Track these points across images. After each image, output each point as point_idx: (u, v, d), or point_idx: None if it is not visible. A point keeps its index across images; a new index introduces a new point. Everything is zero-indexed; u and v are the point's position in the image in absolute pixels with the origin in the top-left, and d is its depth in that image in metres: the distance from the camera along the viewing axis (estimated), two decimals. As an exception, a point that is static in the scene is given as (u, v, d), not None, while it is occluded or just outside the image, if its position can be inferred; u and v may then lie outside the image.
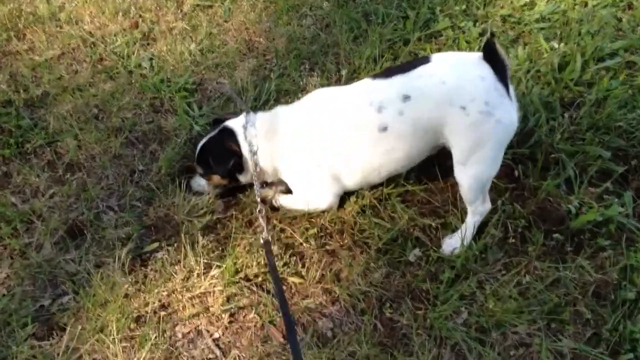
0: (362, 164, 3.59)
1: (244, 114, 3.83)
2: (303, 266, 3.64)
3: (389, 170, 3.63)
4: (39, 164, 4.11)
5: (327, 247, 3.73)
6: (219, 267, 3.54)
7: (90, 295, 3.38)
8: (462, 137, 3.32)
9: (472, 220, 3.63)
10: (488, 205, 3.62)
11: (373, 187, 3.90)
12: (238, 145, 3.77)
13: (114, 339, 3.23)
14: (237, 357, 3.29)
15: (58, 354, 3.20)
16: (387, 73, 3.50)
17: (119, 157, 4.19)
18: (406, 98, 3.30)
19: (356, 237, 3.76)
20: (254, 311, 3.45)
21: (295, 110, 3.77)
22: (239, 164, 3.77)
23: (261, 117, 3.79)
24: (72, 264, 3.59)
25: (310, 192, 3.72)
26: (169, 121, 4.41)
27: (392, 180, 3.88)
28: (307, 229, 3.78)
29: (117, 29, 5.05)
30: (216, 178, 3.90)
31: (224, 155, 3.77)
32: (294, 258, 3.69)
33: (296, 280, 3.59)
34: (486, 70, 3.22)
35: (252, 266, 3.58)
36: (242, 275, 3.57)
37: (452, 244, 3.67)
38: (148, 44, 5.00)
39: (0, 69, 4.71)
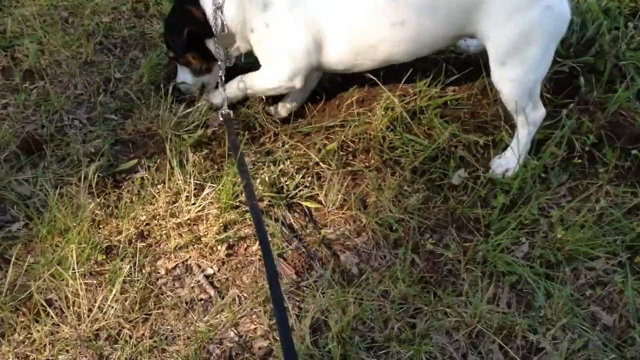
0: (357, 33, 2.78)
1: None
2: (320, 188, 2.81)
3: (389, 53, 2.83)
4: (-9, 70, 3.26)
5: (350, 168, 2.89)
6: (214, 188, 2.71)
7: (46, 222, 2.55)
8: (502, 26, 2.61)
9: (524, 133, 2.90)
10: (542, 112, 2.89)
11: (403, 96, 3.07)
12: (197, 5, 2.93)
13: (74, 273, 2.42)
14: (237, 298, 2.50)
15: (0, 292, 2.37)
16: None
17: (90, 64, 3.39)
18: None
19: (385, 155, 2.98)
20: (258, 243, 2.63)
21: None
22: (200, 31, 2.94)
23: None
24: (26, 185, 2.76)
25: (277, 58, 2.90)
26: (154, 27, 3.57)
27: (427, 90, 3.12)
28: (324, 146, 2.95)
29: None
30: (190, 58, 3.08)
31: (179, 23, 2.98)
32: (309, 179, 2.85)
33: (311, 205, 2.79)
34: None
35: (256, 189, 2.76)
36: (243, 199, 2.73)
37: (503, 163, 2.95)
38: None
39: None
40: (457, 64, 3.30)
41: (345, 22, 2.74)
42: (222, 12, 2.87)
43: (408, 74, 3.10)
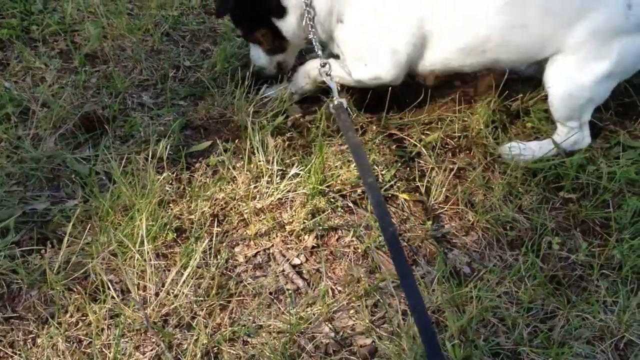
0: (469, 31, 2.41)
1: None
2: (420, 181, 2.42)
3: (497, 55, 2.46)
4: (48, 53, 2.96)
5: (451, 166, 2.50)
6: (301, 169, 2.32)
7: (109, 198, 2.16)
8: (598, 33, 2.34)
9: (558, 140, 2.62)
10: (587, 140, 2.64)
11: (506, 95, 2.77)
12: None
13: (141, 250, 1.99)
14: (331, 291, 2.04)
15: (52, 269, 1.95)
16: None
17: (157, 52, 3.09)
18: None
19: (489, 154, 2.56)
20: (351, 233, 2.23)
21: None
22: (265, 7, 2.58)
23: None
24: (84, 163, 2.38)
25: (374, 50, 2.50)
26: (225, 23, 3.28)
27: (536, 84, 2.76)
28: (421, 139, 2.58)
29: None
30: (259, 37, 2.72)
31: None
32: (407, 171, 2.46)
33: (410, 197, 2.38)
34: None
35: (348, 179, 2.42)
36: (332, 186, 2.34)
37: (521, 149, 2.64)
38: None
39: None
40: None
41: (461, 21, 2.39)
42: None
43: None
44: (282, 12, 2.56)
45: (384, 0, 2.41)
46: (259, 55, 2.77)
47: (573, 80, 2.42)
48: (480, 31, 2.38)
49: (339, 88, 2.45)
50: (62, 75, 2.90)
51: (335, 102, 2.34)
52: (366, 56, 2.52)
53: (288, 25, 2.60)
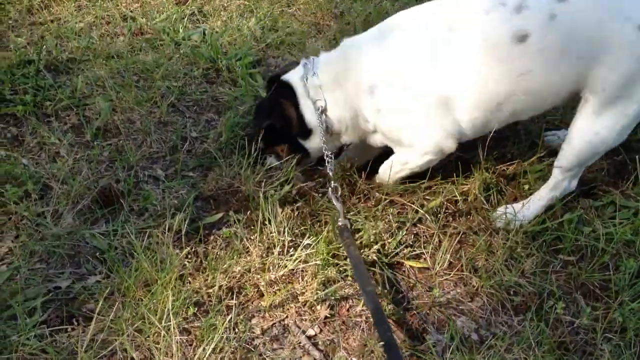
0: (482, 90, 2.44)
1: (302, 61, 2.80)
2: (424, 247, 2.54)
3: (515, 107, 2.51)
4: (61, 128, 3.09)
5: (452, 231, 2.63)
6: (312, 241, 2.44)
7: (131, 275, 2.27)
8: (621, 74, 2.28)
9: (548, 196, 2.72)
10: (574, 185, 2.70)
11: (502, 158, 2.94)
12: (294, 103, 2.76)
13: (166, 327, 2.09)
14: (346, 361, 2.14)
15: (80, 348, 2.05)
16: None
17: (165, 124, 3.21)
18: None
19: (489, 218, 2.69)
20: (362, 302, 2.33)
21: (374, 34, 2.67)
22: (286, 126, 2.79)
23: (325, 59, 2.72)
24: (102, 239, 2.50)
25: (413, 133, 2.62)
26: (227, 92, 3.43)
27: (526, 152, 2.94)
28: (422, 205, 2.71)
29: (161, 5, 4.16)
30: (278, 151, 2.92)
31: (267, 118, 2.83)
32: (410, 237, 2.59)
33: (416, 264, 2.50)
34: None
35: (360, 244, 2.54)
36: (342, 254, 2.46)
37: (508, 215, 2.71)
38: (198, 20, 4.10)
39: (20, 35, 3.77)
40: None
41: (473, 82, 2.47)
42: (326, 114, 2.70)
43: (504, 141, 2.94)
44: (308, 133, 2.77)
45: (408, 90, 2.54)
46: (271, 161, 2.92)
47: (595, 127, 2.43)
48: (490, 90, 2.44)
49: (344, 210, 2.61)
50: (76, 150, 2.98)
51: (340, 224, 2.50)
52: (414, 137, 2.64)
53: (312, 143, 2.83)
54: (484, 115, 2.50)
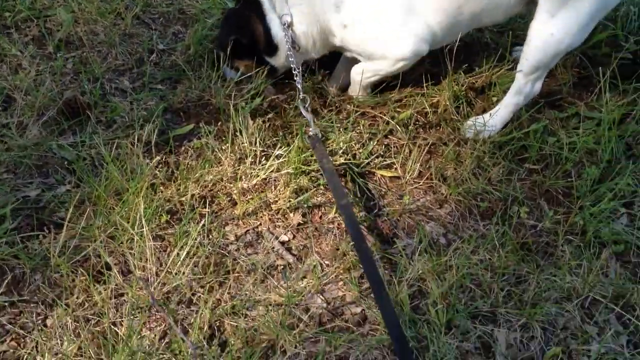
0: None
1: None
2: (394, 157, 2.58)
3: (473, 11, 2.58)
4: (22, 40, 2.98)
5: (421, 142, 2.65)
6: (280, 155, 2.45)
7: (101, 184, 2.25)
8: None
9: (512, 101, 2.75)
10: (538, 89, 2.73)
11: (471, 71, 2.94)
12: (261, 18, 2.73)
13: (139, 234, 2.09)
14: (319, 265, 2.19)
15: (52, 255, 2.04)
16: None
17: (130, 36, 3.14)
18: None
19: (458, 129, 2.73)
20: (334, 210, 2.36)
21: None
22: (253, 43, 2.77)
23: None
24: (70, 150, 2.47)
25: (384, 42, 2.65)
26: (194, 4, 3.34)
27: (494, 65, 2.93)
28: (393, 117, 2.72)
29: None
30: (242, 64, 2.84)
31: (227, 29, 2.80)
32: (382, 148, 2.61)
33: (387, 173, 2.54)
34: None
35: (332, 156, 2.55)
36: (314, 165, 2.47)
37: (477, 126, 2.76)
38: None
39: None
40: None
41: None
42: (291, 29, 2.67)
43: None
44: (274, 50, 2.74)
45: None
46: (229, 74, 2.90)
47: (551, 28, 2.48)
48: None
49: (314, 119, 2.60)
50: (38, 61, 2.90)
51: (311, 133, 2.50)
52: (385, 47, 2.65)
53: (278, 59, 2.81)
54: (447, 19, 2.56)
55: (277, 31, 2.71)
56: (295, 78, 2.69)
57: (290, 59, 2.70)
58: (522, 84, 2.66)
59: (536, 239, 2.41)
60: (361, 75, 2.73)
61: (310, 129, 2.51)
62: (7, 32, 3.06)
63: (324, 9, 2.60)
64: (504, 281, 2.24)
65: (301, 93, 2.66)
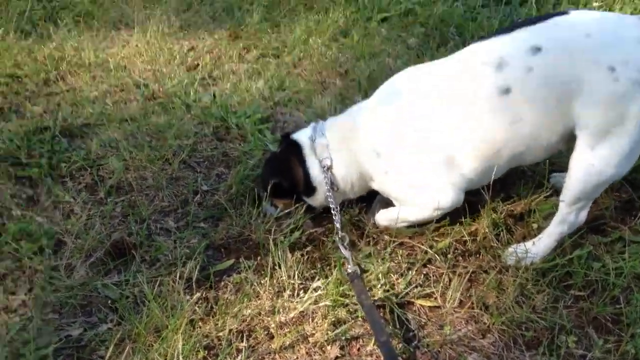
0: (480, 141, 2.61)
1: (311, 123, 3.00)
2: (434, 286, 2.57)
3: (513, 152, 2.63)
4: (75, 187, 3.18)
5: (461, 270, 2.64)
6: (319, 288, 2.48)
7: (142, 321, 2.30)
8: (600, 110, 2.38)
9: (557, 231, 2.71)
10: (582, 219, 2.70)
11: (509, 199, 3.00)
12: (301, 161, 2.93)
13: (177, 369, 2.11)
14: (358, 400, 2.13)
15: (91, 394, 2.07)
16: (508, 29, 2.61)
17: (177, 179, 3.29)
18: (536, 50, 2.42)
19: (498, 256, 2.71)
20: (372, 342, 2.34)
21: (377, 99, 2.90)
22: (292, 185, 2.96)
23: (332, 122, 2.96)
24: (114, 288, 2.55)
25: (424, 192, 2.74)
26: (236, 147, 3.53)
27: (533, 192, 2.97)
28: (432, 246, 2.74)
29: (173, 72, 4.33)
30: (281, 203, 2.99)
31: (271, 175, 2.97)
32: (420, 277, 2.61)
33: (427, 303, 2.51)
34: None
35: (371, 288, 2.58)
36: (352, 296, 2.48)
37: (518, 254, 2.73)
38: (208, 84, 4.26)
39: (36, 104, 3.93)
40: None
41: (470, 136, 2.62)
42: (331, 172, 2.87)
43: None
44: (312, 191, 2.93)
45: (395, 155, 2.72)
46: (268, 211, 3.03)
47: (593, 156, 2.47)
48: (487, 140, 2.57)
49: (353, 256, 2.67)
50: (89, 207, 3.05)
51: (350, 270, 2.54)
52: (425, 196, 2.75)
53: (316, 200, 2.98)
54: (485, 164, 2.63)
55: (317, 174, 2.87)
56: (334, 217, 2.77)
57: (329, 200, 2.82)
58: (566, 214, 2.65)
59: (587, 370, 2.28)
60: (387, 222, 2.86)
61: (349, 267, 2.52)
62: (62, 181, 3.26)
63: (365, 155, 2.77)
64: (555, 417, 2.10)
65: (340, 232, 2.70)
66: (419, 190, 2.74)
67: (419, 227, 2.87)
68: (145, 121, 3.76)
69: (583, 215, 2.68)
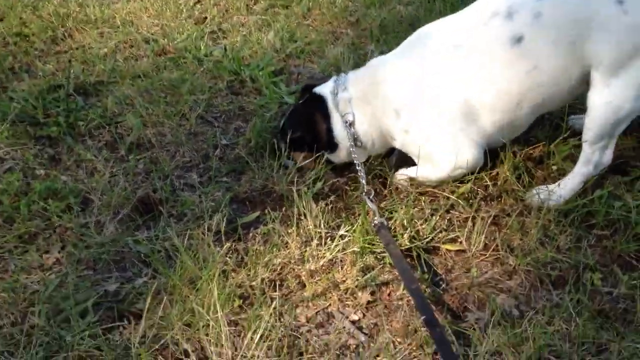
0: (498, 95, 2.62)
1: (333, 77, 2.98)
2: (459, 231, 2.60)
3: (534, 103, 2.64)
4: (95, 145, 3.20)
5: (484, 214, 2.68)
6: (348, 230, 2.52)
7: (177, 273, 2.35)
8: (613, 45, 2.39)
9: (582, 171, 2.73)
10: (609, 158, 2.72)
11: (527, 142, 2.99)
12: (325, 118, 2.91)
13: (214, 319, 2.16)
14: (392, 343, 2.20)
15: (133, 344, 2.13)
16: None
17: (195, 134, 3.32)
18: None
19: (520, 199, 2.74)
20: (402, 287, 2.38)
21: (399, 54, 2.89)
22: (320, 143, 2.92)
23: (354, 76, 2.92)
24: (145, 244, 2.59)
25: (445, 149, 2.75)
26: (252, 101, 3.53)
27: (551, 135, 2.96)
28: (453, 191, 2.77)
29: (181, 26, 4.29)
30: (297, 156, 2.99)
31: (298, 131, 2.96)
32: (444, 222, 2.64)
33: (453, 247, 2.55)
34: None
35: (396, 232, 2.62)
36: (378, 246, 2.53)
37: (543, 196, 2.74)
38: (218, 37, 4.22)
39: (47, 63, 3.91)
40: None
41: (488, 90, 2.63)
42: (354, 127, 2.86)
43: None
44: (334, 147, 2.93)
45: (432, 106, 2.70)
46: (286, 165, 3.03)
47: (609, 93, 2.48)
48: (505, 93, 2.59)
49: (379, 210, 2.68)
50: (112, 164, 3.08)
51: (377, 221, 2.56)
52: (443, 155, 2.75)
53: (338, 156, 2.99)
54: (507, 116, 2.65)
55: (340, 129, 2.87)
56: (358, 173, 2.79)
57: (353, 156, 2.84)
58: (590, 153, 2.67)
59: (613, 306, 2.35)
60: (406, 181, 2.88)
61: (376, 218, 2.56)
62: (82, 140, 3.27)
63: (385, 114, 2.77)
64: (584, 351, 2.18)
65: (365, 187, 2.74)
66: (439, 148, 2.75)
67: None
68: (158, 77, 3.75)
69: (609, 155, 2.70)
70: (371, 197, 2.71)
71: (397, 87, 2.75)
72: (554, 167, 2.92)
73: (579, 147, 2.77)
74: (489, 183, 2.82)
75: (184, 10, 4.54)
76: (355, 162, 2.85)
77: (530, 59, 2.52)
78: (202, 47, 4.06)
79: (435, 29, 2.77)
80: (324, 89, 2.93)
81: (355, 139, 2.87)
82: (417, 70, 2.72)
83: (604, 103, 2.51)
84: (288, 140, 2.91)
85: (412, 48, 2.82)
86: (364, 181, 2.78)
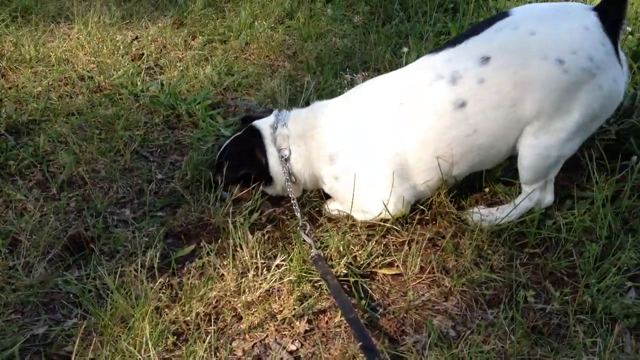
0: (435, 156, 2.66)
1: (274, 111, 2.98)
2: (395, 255, 2.62)
3: (471, 163, 2.71)
4: (26, 185, 3.12)
5: (419, 237, 2.70)
6: (284, 260, 2.51)
7: (107, 313, 2.29)
8: (551, 103, 2.47)
9: (522, 205, 2.79)
10: (550, 198, 2.80)
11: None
12: (262, 151, 2.91)
13: (147, 358, 2.11)
14: (329, 371, 2.17)
15: (61, 389, 2.05)
16: (455, 40, 2.67)
17: (130, 170, 3.26)
18: (485, 60, 2.49)
19: (454, 221, 2.78)
20: (340, 314, 2.38)
21: (341, 102, 2.92)
22: (256, 176, 2.94)
23: (296, 113, 2.95)
24: (75, 283, 2.53)
25: (372, 202, 2.76)
26: (188, 135, 3.52)
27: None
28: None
29: (118, 62, 4.26)
30: (236, 188, 2.96)
31: (236, 164, 2.93)
32: (381, 247, 2.66)
33: (389, 272, 2.57)
34: (591, 20, 2.45)
35: (332, 260, 2.62)
36: (315, 275, 2.52)
37: (483, 215, 2.82)
38: (155, 73, 4.21)
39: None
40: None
41: (426, 150, 2.66)
42: (289, 162, 2.88)
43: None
44: (269, 180, 2.93)
45: (348, 161, 2.74)
46: (223, 197, 3.01)
47: (538, 144, 2.56)
48: (443, 149, 2.64)
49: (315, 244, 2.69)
50: (42, 203, 3.00)
51: (313, 253, 2.57)
52: (370, 206, 2.80)
53: (274, 189, 3.00)
54: (439, 176, 2.70)
55: (275, 164, 2.88)
56: (293, 207, 2.82)
57: (288, 190, 2.86)
58: (529, 192, 2.75)
59: (547, 321, 2.38)
60: (337, 213, 2.92)
61: (312, 251, 2.56)
62: (12, 180, 3.18)
63: (319, 158, 2.80)
64: (520, 368, 2.18)
65: (300, 221, 2.75)
66: (368, 199, 2.76)
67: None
68: (93, 114, 3.70)
69: (550, 193, 2.79)
70: (307, 231, 2.70)
71: (335, 134, 2.78)
72: (487, 189, 2.96)
73: (509, 168, 2.82)
74: (424, 208, 2.83)
75: (121, 47, 4.50)
76: (290, 196, 2.83)
77: (471, 123, 2.56)
78: (138, 83, 4.03)
79: (381, 84, 2.80)
80: (264, 123, 2.94)
81: (290, 175, 2.84)
82: (357, 121, 2.74)
83: (534, 154, 2.60)
84: (224, 172, 2.86)
85: (356, 99, 2.85)
86: (299, 215, 2.77)
